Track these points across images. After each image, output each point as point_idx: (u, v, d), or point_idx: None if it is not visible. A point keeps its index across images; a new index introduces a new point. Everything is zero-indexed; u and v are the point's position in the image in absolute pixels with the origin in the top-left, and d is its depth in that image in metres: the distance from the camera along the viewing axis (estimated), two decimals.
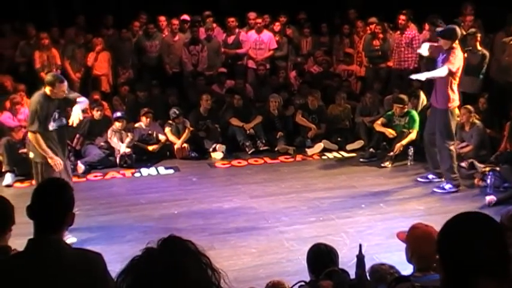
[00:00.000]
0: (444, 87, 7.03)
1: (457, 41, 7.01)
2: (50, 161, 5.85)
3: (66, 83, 5.96)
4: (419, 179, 7.80)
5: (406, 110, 8.72)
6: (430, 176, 7.71)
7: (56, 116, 5.90)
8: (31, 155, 6.04)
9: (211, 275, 1.59)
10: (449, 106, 7.08)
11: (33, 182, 6.90)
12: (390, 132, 8.73)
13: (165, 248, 1.59)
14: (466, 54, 8.41)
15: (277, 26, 11.16)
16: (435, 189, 7.38)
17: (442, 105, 7.11)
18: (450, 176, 7.34)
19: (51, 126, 5.90)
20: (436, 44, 7.29)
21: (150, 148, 8.89)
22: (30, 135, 5.95)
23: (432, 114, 7.50)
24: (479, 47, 8.78)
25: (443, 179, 7.51)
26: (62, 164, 5.93)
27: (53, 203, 2.61)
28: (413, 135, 8.58)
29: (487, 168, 7.47)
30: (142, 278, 1.53)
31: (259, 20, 10.83)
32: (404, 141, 8.54)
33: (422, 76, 7.16)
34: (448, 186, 7.34)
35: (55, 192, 2.68)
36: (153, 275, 1.53)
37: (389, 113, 8.92)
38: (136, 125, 9.06)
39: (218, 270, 1.62)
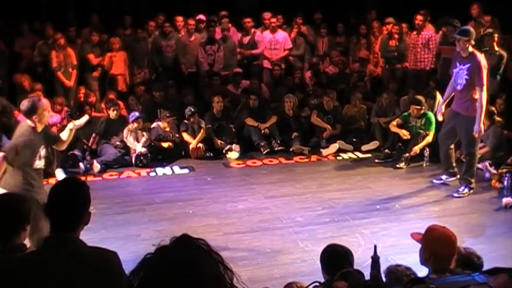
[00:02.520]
0: (474, 94, 6.93)
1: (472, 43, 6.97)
2: None
3: (45, 101, 5.25)
4: (434, 181, 7.74)
5: (422, 111, 8.66)
6: (444, 177, 7.64)
7: (42, 153, 5.02)
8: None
9: (224, 273, 1.60)
10: None
11: (49, 181, 6.97)
12: (404, 134, 8.68)
13: (178, 246, 1.60)
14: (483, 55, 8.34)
15: (295, 28, 11.14)
16: (454, 195, 7.26)
17: (472, 112, 6.96)
18: (469, 180, 7.26)
19: (37, 164, 5.02)
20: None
21: (165, 145, 8.90)
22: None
23: (452, 119, 7.28)
24: (496, 48, 8.70)
25: (457, 179, 7.43)
26: None
27: (70, 202, 2.63)
28: (429, 137, 8.49)
29: (504, 170, 7.39)
30: (155, 276, 1.54)
31: (274, 20, 10.82)
32: (421, 145, 8.48)
33: (479, 124, 6.90)
34: (466, 190, 7.27)
35: (72, 190, 2.71)
36: (165, 273, 1.53)
37: (406, 113, 8.86)
38: (154, 124, 9.10)
39: (231, 268, 1.62)
